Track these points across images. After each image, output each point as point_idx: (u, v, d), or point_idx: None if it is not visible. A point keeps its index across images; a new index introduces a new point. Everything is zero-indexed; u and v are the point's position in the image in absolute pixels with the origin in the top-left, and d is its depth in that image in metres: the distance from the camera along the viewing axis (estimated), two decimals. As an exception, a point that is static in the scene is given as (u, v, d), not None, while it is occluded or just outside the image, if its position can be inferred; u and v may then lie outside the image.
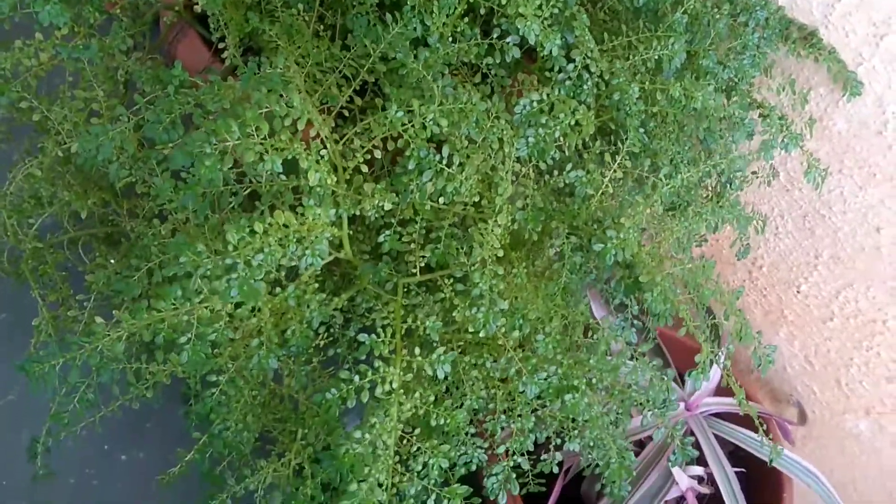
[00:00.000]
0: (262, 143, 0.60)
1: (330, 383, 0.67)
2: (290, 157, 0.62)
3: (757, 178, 0.97)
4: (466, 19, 0.80)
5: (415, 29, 0.75)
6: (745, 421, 1.20)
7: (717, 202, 0.92)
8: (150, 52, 0.93)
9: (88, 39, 0.85)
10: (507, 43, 0.76)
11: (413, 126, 0.67)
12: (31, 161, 0.82)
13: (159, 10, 0.92)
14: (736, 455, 1.18)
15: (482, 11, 0.81)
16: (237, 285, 0.58)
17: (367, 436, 0.64)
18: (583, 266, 0.75)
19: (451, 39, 0.81)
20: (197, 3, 0.89)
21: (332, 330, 0.82)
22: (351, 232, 0.73)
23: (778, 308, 1.27)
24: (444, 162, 0.67)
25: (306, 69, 0.74)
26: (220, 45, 0.84)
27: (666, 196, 0.78)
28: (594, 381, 0.72)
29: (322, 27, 0.82)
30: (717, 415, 1.19)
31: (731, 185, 0.91)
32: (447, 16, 0.77)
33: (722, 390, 1.16)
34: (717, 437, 1.15)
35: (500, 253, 0.69)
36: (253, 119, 0.60)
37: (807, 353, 1.28)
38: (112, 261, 0.86)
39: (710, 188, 0.95)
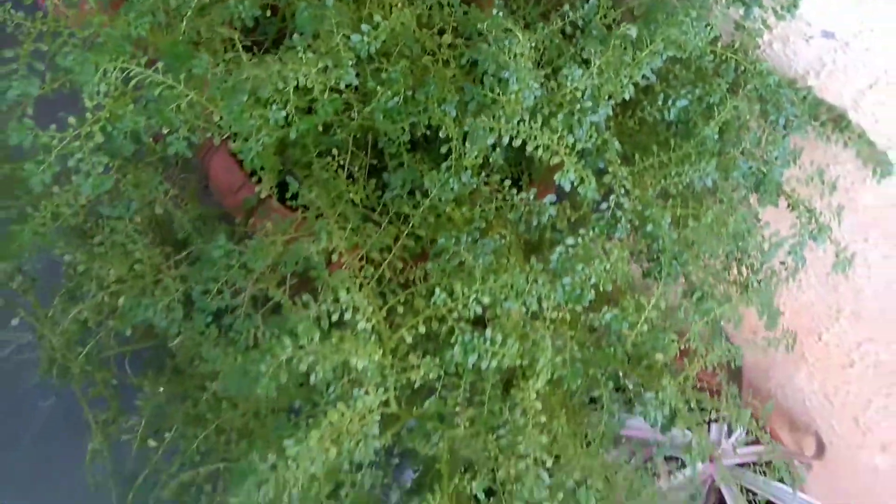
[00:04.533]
0: (314, 353, 0.62)
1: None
2: (341, 360, 0.64)
3: (786, 269, 0.98)
4: (497, 149, 0.81)
5: (452, 189, 0.75)
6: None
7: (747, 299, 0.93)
8: (182, 169, 0.93)
9: (123, 175, 0.86)
10: (545, 204, 0.77)
11: (457, 309, 0.68)
12: (79, 305, 0.84)
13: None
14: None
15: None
16: (298, 499, 0.62)
17: None
18: (619, 409, 0.78)
19: (480, 169, 0.82)
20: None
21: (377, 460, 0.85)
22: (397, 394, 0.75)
23: (799, 350, 1.30)
24: (488, 342, 0.69)
25: (346, 231, 0.75)
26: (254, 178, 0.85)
27: (699, 328, 0.80)
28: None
29: (356, 167, 0.82)
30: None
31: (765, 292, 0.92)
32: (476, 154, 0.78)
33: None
34: (743, 488, 1.20)
35: (542, 417, 0.72)
36: (304, 331, 0.62)
37: (826, 392, 1.32)
38: (160, 388, 0.89)
39: (738, 282, 0.97)
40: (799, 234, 0.93)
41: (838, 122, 0.99)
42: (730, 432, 1.24)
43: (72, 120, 0.74)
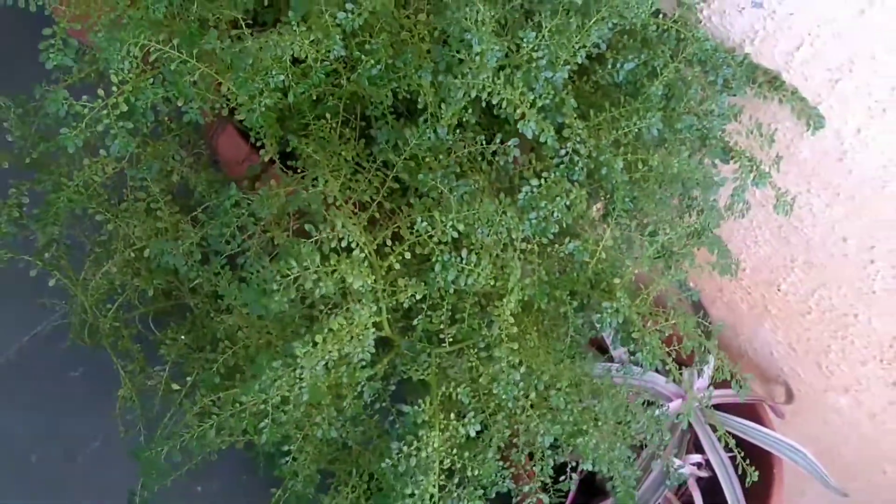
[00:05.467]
0: (316, 272, 0.74)
1: (382, 446, 0.83)
2: (339, 277, 0.76)
3: (732, 214, 1.10)
4: (470, 111, 0.93)
5: (429, 138, 0.88)
6: (738, 408, 1.36)
7: (699, 238, 1.05)
8: (195, 147, 1.06)
9: (144, 148, 0.98)
10: (510, 146, 0.89)
11: (436, 234, 0.80)
12: (107, 262, 0.96)
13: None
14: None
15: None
16: (307, 390, 0.73)
17: (415, 492, 0.80)
18: (584, 325, 0.89)
19: (456, 128, 0.95)
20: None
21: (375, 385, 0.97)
22: (389, 317, 0.87)
23: (762, 304, 1.42)
24: (464, 261, 0.81)
25: (340, 179, 0.87)
26: (258, 144, 0.98)
27: (652, 255, 0.92)
28: (600, 423, 0.87)
29: (348, 130, 0.95)
30: (714, 405, 1.34)
31: (710, 224, 1.04)
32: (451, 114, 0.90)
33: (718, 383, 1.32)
34: (712, 426, 1.31)
35: (514, 329, 0.83)
36: (308, 253, 0.74)
37: (790, 341, 1.43)
38: (182, 337, 1.01)
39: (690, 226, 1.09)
40: (741, 178, 1.05)
41: (773, 82, 1.11)
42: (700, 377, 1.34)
43: (101, 92, 0.86)
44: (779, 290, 1.37)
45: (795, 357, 1.44)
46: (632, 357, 1.08)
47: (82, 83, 0.98)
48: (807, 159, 1.17)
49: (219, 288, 0.88)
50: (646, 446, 1.27)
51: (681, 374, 1.34)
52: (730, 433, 1.33)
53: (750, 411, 1.41)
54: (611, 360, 1.29)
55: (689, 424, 1.31)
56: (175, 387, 1.01)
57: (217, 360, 0.88)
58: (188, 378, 1.00)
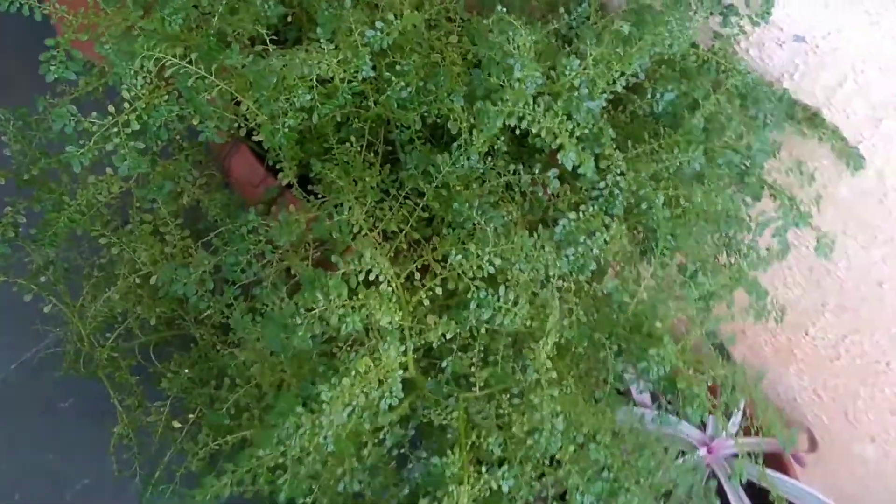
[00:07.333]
0: (342, 307, 0.68)
1: (399, 495, 0.76)
2: (367, 313, 0.70)
3: (771, 254, 1.04)
4: (502, 138, 0.88)
5: (462, 165, 0.82)
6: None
7: (738, 282, 0.99)
8: (206, 167, 0.99)
9: (154, 167, 0.92)
10: (550, 177, 0.83)
11: (471, 268, 0.74)
12: (109, 288, 0.89)
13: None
14: (753, 487, 1.27)
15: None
16: (332, 441, 0.66)
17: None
18: (623, 371, 0.83)
19: (486, 156, 0.89)
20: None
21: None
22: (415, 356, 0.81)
23: (787, 347, 1.36)
24: (501, 300, 0.75)
25: (365, 207, 0.81)
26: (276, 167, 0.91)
27: (695, 298, 0.86)
28: (642, 482, 0.80)
29: (371, 154, 0.89)
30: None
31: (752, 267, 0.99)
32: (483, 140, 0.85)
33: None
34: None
35: (553, 374, 0.77)
36: (335, 286, 0.67)
37: (815, 387, 1.37)
38: (185, 370, 0.94)
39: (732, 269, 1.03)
40: (782, 218, 1.00)
41: (813, 119, 1.07)
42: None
43: (111, 108, 0.80)
44: (807, 334, 1.32)
45: (821, 404, 1.39)
46: (664, 404, 1.02)
47: (90, 97, 0.92)
48: (845, 199, 1.12)
49: (230, 320, 0.81)
50: (671, 494, 1.20)
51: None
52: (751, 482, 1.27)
53: (772, 458, 1.34)
54: (634, 403, 1.23)
55: (714, 475, 1.24)
56: (176, 424, 0.93)
57: (224, 397, 0.81)
58: (190, 415, 0.93)
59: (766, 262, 1.00)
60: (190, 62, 0.80)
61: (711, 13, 1.03)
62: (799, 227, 1.03)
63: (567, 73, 0.85)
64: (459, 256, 0.75)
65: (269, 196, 0.95)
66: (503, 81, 0.82)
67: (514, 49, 0.80)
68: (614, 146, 0.90)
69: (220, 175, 0.99)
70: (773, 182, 1.06)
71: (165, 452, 0.95)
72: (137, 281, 0.89)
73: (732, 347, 1.48)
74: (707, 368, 0.84)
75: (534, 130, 0.81)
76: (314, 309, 0.66)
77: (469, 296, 0.74)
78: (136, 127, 0.81)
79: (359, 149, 0.88)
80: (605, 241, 0.83)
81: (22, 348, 1.23)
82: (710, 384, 0.90)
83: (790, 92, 1.07)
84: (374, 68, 0.84)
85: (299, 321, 0.66)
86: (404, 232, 0.81)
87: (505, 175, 0.88)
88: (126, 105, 0.81)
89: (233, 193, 0.97)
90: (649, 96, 0.96)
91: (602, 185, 0.87)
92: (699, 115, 0.94)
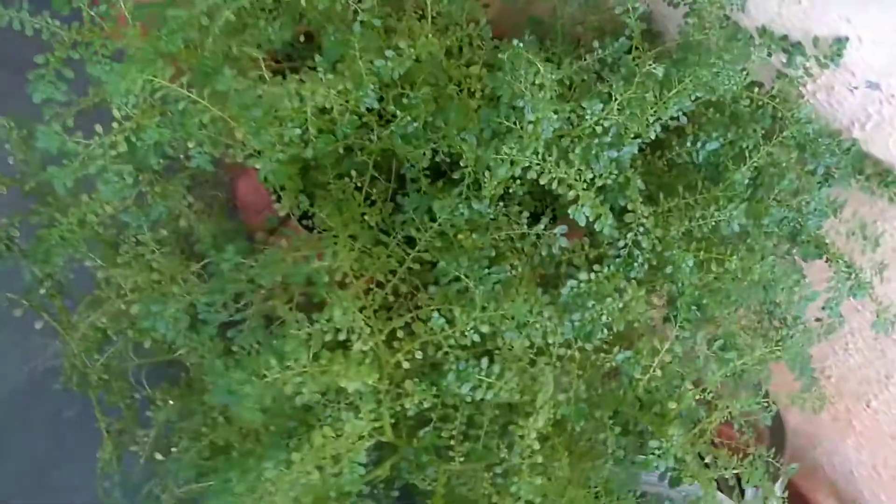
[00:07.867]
0: (301, 374, 0.61)
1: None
2: (329, 381, 0.63)
3: (822, 326, 0.93)
4: (519, 181, 0.80)
5: (462, 213, 0.75)
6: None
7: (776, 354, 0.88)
8: (212, 187, 0.95)
9: (152, 187, 0.88)
10: (556, 234, 0.75)
11: (453, 336, 0.67)
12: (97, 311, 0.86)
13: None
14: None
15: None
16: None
17: None
18: (627, 456, 0.74)
19: (501, 199, 0.81)
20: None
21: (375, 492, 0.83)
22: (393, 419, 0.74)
23: (846, 417, 1.23)
24: (484, 372, 0.67)
25: (355, 252, 0.75)
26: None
27: (719, 378, 0.77)
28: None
29: (375, 191, 0.82)
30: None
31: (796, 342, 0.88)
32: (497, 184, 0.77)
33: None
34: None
35: (539, 457, 0.69)
36: (292, 352, 0.61)
37: (875, 462, 1.24)
38: (170, 401, 0.90)
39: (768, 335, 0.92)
40: (835, 288, 0.88)
41: (884, 176, 0.94)
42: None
43: (98, 128, 0.76)
44: (868, 406, 1.19)
45: (879, 481, 1.25)
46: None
47: (96, 108, 0.88)
48: (917, 267, 0.99)
49: (205, 362, 0.76)
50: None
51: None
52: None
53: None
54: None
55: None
56: (159, 456, 0.89)
57: (205, 434, 0.77)
58: (173, 449, 0.89)
59: (813, 336, 0.89)
60: (182, 85, 0.75)
61: (773, 52, 0.92)
62: (855, 298, 0.91)
63: (588, 117, 0.76)
64: (442, 321, 0.67)
65: (270, 225, 0.90)
66: (514, 123, 0.74)
67: (525, 88, 0.72)
68: (644, 198, 0.81)
69: (224, 196, 0.95)
70: (831, 244, 0.94)
71: (149, 481, 0.91)
72: (123, 306, 0.85)
73: (786, 408, 1.36)
74: (725, 458, 0.74)
75: (542, 182, 0.73)
76: (266, 377, 0.60)
77: (447, 367, 0.66)
78: (124, 149, 0.77)
79: (359, 184, 0.81)
80: (617, 308, 0.74)
81: (33, 355, 1.22)
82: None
83: (860, 143, 0.95)
84: (381, 99, 0.78)
85: (248, 390, 0.60)
86: (391, 283, 0.74)
87: (517, 224, 0.79)
88: (115, 125, 0.77)
89: (235, 217, 0.92)
90: (689, 144, 0.86)
91: (622, 243, 0.77)
92: (746, 169, 0.84)
